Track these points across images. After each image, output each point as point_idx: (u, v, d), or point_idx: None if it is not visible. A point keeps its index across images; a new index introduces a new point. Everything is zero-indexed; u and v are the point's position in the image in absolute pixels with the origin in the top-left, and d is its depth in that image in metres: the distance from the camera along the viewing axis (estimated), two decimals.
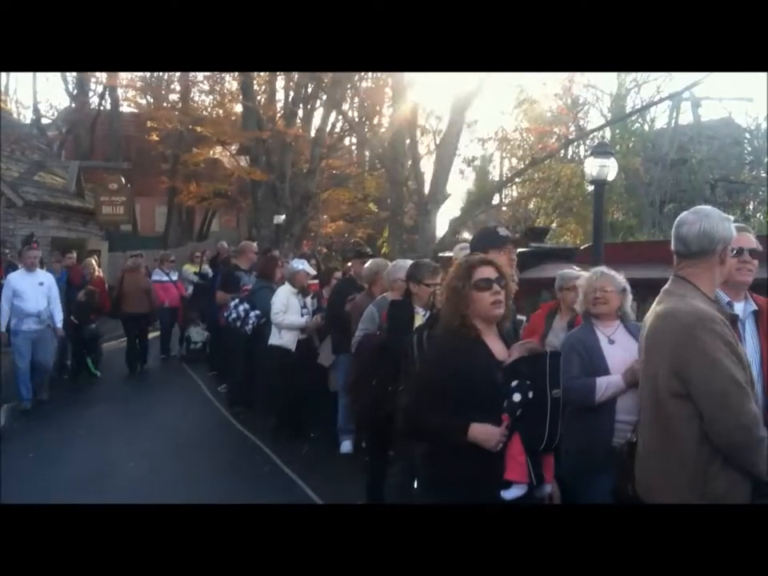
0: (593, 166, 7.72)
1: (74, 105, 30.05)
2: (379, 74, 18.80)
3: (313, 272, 8.25)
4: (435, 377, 3.10)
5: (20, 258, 9.95)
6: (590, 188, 20.62)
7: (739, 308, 3.30)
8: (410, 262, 6.04)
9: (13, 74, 32.59)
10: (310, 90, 19.79)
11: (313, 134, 20.38)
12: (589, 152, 9.41)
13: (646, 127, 26.31)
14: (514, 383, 2.97)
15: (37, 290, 8.99)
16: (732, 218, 2.81)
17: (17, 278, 9.02)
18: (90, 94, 30.69)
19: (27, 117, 31.84)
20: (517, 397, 2.95)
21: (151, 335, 12.89)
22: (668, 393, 2.64)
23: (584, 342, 4.21)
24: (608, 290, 4.23)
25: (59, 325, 9.32)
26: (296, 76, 19.78)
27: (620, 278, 4.35)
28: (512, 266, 3.90)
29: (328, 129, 20.25)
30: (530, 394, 2.95)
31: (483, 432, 2.96)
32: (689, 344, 2.55)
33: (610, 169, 7.71)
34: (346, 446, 7.19)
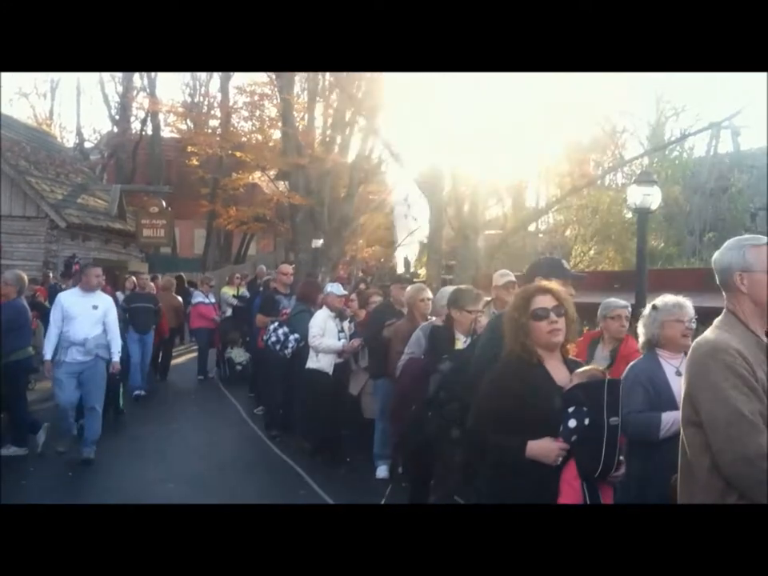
0: (636, 195, 7.65)
1: (116, 129, 30.68)
2: (418, 100, 18.91)
3: (344, 293, 8.27)
4: (496, 400, 3.15)
5: (64, 279, 9.92)
6: (629, 215, 20.52)
7: None
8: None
9: (57, 99, 33.42)
10: (348, 116, 19.96)
11: (351, 159, 20.52)
12: (628, 180, 9.35)
13: (685, 155, 26.11)
14: (571, 409, 2.99)
15: (89, 315, 7.61)
16: (764, 239, 2.73)
17: (68, 298, 7.75)
18: (132, 119, 31.33)
19: (71, 141, 32.67)
20: (572, 423, 2.97)
21: (189, 356, 13.04)
22: (686, 421, 2.62)
23: (649, 374, 4.11)
24: (692, 321, 4.16)
25: (116, 358, 7.76)
26: (335, 103, 19.98)
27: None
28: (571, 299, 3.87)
29: (366, 154, 20.37)
30: (586, 421, 2.96)
31: (541, 447, 2.99)
32: (700, 374, 2.54)
33: (653, 198, 7.65)
34: (382, 470, 7.17)
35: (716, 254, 2.71)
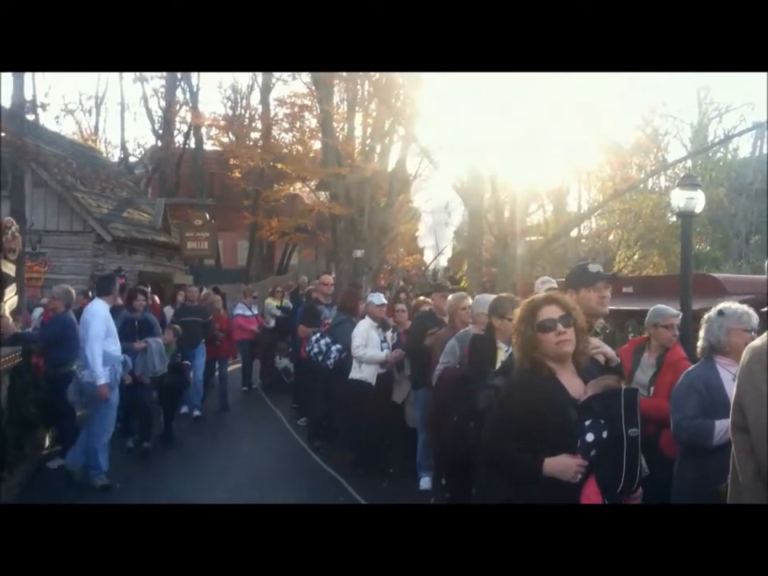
0: (680, 198, 7.53)
1: (160, 143, 31.08)
2: (456, 105, 18.91)
3: (384, 302, 8.25)
4: (511, 415, 3.07)
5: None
6: (673, 219, 20.22)
7: None
8: (492, 296, 6.04)
9: (102, 115, 34.04)
10: (387, 125, 20.01)
11: (391, 168, 20.56)
12: (672, 183, 9.21)
13: (729, 157, 25.69)
14: (588, 422, 2.88)
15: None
16: None
17: (106, 312, 7.33)
18: (175, 133, 31.76)
19: (116, 155, 33.19)
20: (590, 436, 2.86)
21: (232, 368, 13.16)
22: (734, 426, 2.60)
23: (705, 380, 4.07)
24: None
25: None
26: (374, 112, 20.05)
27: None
28: (604, 303, 3.83)
29: (405, 162, 20.41)
30: (605, 434, 2.84)
31: (558, 464, 2.90)
32: (746, 379, 2.53)
33: (697, 201, 7.52)
34: (426, 482, 7.15)
35: None
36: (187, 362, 9.72)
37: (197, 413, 10.89)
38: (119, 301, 8.60)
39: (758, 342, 2.60)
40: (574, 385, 3.10)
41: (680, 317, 5.62)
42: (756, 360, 2.51)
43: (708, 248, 23.33)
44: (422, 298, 8.73)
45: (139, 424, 8.78)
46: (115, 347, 7.37)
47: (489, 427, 3.22)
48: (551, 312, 3.10)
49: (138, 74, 31.89)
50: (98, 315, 7.19)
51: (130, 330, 8.60)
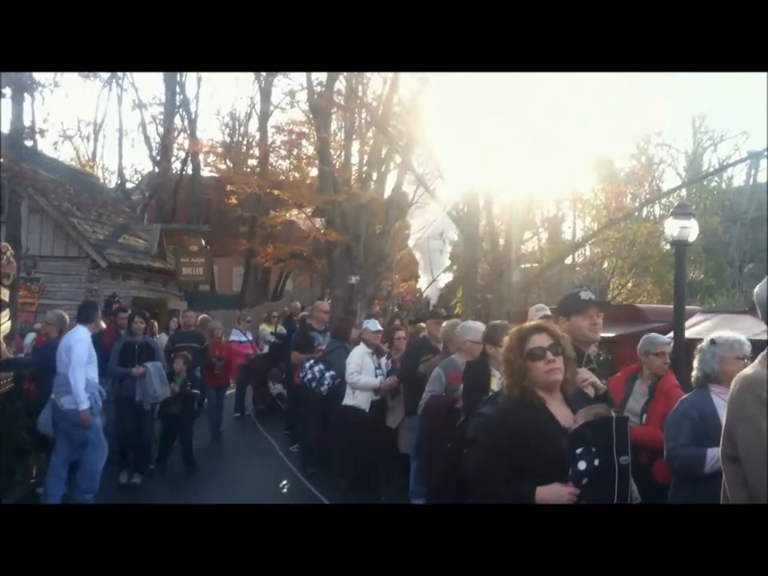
0: (673, 227, 7.59)
1: (157, 170, 31.21)
2: (452, 134, 19.05)
3: (380, 329, 8.25)
4: (500, 445, 3.05)
5: (105, 318, 9.89)
6: (667, 247, 20.31)
7: None
8: (478, 324, 6.06)
9: (100, 141, 34.19)
10: (383, 153, 20.14)
11: (387, 195, 20.65)
12: (666, 211, 9.28)
13: (724, 185, 25.85)
14: (579, 450, 2.87)
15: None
16: None
17: (88, 337, 7.25)
18: (173, 159, 31.89)
19: (113, 182, 33.31)
20: (582, 465, 2.85)
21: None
22: (724, 456, 2.59)
23: (700, 408, 4.09)
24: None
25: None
26: (371, 140, 20.18)
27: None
28: (596, 330, 3.85)
29: (402, 190, 20.49)
30: (596, 462, 2.83)
31: (550, 493, 2.88)
32: (737, 408, 2.51)
33: (690, 230, 7.58)
34: None
35: (759, 288, 2.64)
36: (197, 391, 9.50)
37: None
38: (102, 325, 8.64)
39: (748, 371, 2.60)
40: (562, 414, 3.10)
41: (671, 344, 5.65)
42: (747, 389, 2.50)
43: (702, 276, 23.41)
44: (421, 324, 8.74)
45: (134, 455, 8.61)
46: (95, 374, 7.25)
47: (477, 457, 3.20)
48: (541, 340, 3.11)
49: (136, 100, 32.18)
50: (81, 341, 7.09)
51: (130, 354, 8.56)
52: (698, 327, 7.88)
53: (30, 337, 10.73)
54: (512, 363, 3.13)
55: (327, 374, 8.32)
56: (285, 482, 9.25)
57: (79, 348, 7.02)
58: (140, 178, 33.45)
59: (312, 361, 8.61)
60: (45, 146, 30.82)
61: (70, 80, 32.54)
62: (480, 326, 5.98)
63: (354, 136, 20.93)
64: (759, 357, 2.69)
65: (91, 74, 29.87)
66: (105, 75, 30.96)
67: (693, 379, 4.41)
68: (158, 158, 31.44)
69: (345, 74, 19.27)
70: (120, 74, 31.54)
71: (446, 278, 21.95)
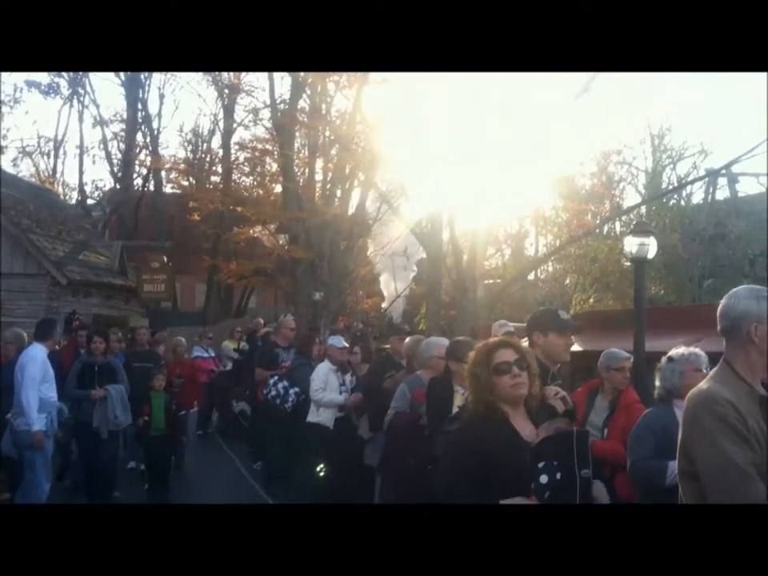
0: (632, 245, 7.71)
1: (118, 186, 30.98)
2: (415, 152, 19.19)
3: (346, 345, 8.22)
4: (465, 461, 3.07)
5: (65, 336, 9.71)
6: (628, 264, 20.59)
7: None
8: (443, 339, 6.06)
9: (60, 157, 33.84)
10: (347, 170, 20.20)
11: (351, 212, 20.70)
12: (626, 228, 9.41)
13: (683, 203, 26.30)
14: (541, 464, 2.90)
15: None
16: None
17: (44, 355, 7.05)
18: (135, 175, 31.67)
19: (73, 198, 32.98)
20: (544, 478, 2.87)
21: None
22: (681, 471, 2.63)
23: (662, 422, 4.15)
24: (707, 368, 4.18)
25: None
26: (334, 158, 20.23)
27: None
28: (568, 351, 3.91)
29: (365, 207, 20.56)
30: (558, 475, 2.87)
31: (514, 505, 2.89)
32: (693, 425, 2.55)
33: (649, 247, 7.69)
34: None
35: (727, 301, 2.68)
36: (183, 413, 9.13)
37: (131, 464, 9.93)
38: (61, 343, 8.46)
39: (701, 386, 2.64)
40: (526, 428, 3.12)
41: (631, 359, 5.72)
42: (702, 406, 2.53)
43: (662, 292, 23.71)
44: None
45: (93, 485, 8.07)
46: (52, 393, 7.00)
47: (442, 474, 3.21)
48: (507, 355, 3.13)
49: (97, 117, 31.91)
50: (35, 359, 6.85)
51: (89, 376, 8.00)
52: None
53: None
54: (478, 377, 3.14)
55: (291, 391, 8.28)
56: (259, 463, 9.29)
57: (32, 367, 6.78)
58: (101, 195, 33.18)
59: (276, 377, 8.56)
60: (4, 163, 30.41)
61: (30, 96, 32.13)
62: (446, 342, 6.00)
63: (318, 153, 20.97)
64: (711, 372, 2.74)
65: (52, 90, 29.69)
66: (66, 91, 30.74)
67: (656, 395, 4.50)
68: (120, 174, 31.26)
69: (308, 91, 19.33)
70: (81, 90, 31.32)
71: (409, 294, 22.06)
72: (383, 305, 23.61)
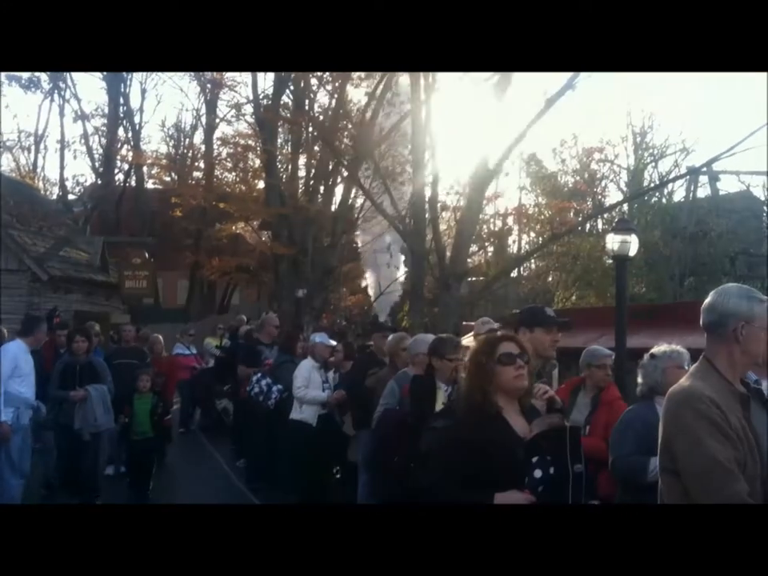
0: (614, 242, 7.74)
1: (100, 181, 30.76)
2: (399, 147, 19.18)
3: (332, 343, 8.24)
4: (458, 456, 3.08)
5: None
6: (609, 261, 20.70)
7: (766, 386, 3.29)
8: (430, 336, 6.07)
9: (41, 152, 33.57)
10: (330, 166, 20.16)
11: (334, 208, 20.67)
12: (608, 226, 9.44)
13: (664, 201, 26.45)
14: (534, 459, 2.94)
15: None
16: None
17: (20, 351, 7.07)
18: (116, 171, 31.46)
19: (54, 193, 32.73)
20: (537, 473, 2.92)
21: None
22: (662, 468, 2.65)
23: (644, 419, 4.18)
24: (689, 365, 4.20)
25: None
26: (318, 154, 20.20)
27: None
28: (554, 347, 3.93)
29: (349, 203, 20.55)
30: (551, 470, 2.92)
31: (508, 498, 2.92)
32: (674, 422, 2.58)
33: (631, 244, 7.72)
34: None
35: (717, 298, 2.69)
36: (169, 417, 8.62)
37: (109, 470, 9.30)
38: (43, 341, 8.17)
39: (682, 383, 2.66)
40: (519, 424, 3.15)
41: (612, 356, 5.75)
42: (684, 403, 2.56)
43: (644, 290, 23.85)
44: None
45: (76, 489, 7.78)
46: (25, 389, 6.90)
47: (435, 468, 3.22)
48: (511, 347, 3.18)
49: (78, 111, 31.67)
50: (7, 353, 6.80)
51: (70, 376, 7.71)
52: None
53: None
54: (482, 366, 3.16)
55: (275, 388, 8.27)
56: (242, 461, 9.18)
57: (3, 361, 6.72)
58: (82, 190, 32.96)
59: (259, 374, 8.54)
60: None
61: (11, 91, 31.83)
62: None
63: (301, 149, 20.93)
64: (691, 369, 2.76)
65: (32, 84, 29.43)
66: (46, 86, 30.49)
67: (638, 392, 4.53)
68: (101, 169, 31.05)
69: (291, 87, 19.29)
70: (62, 84, 31.08)
71: (396, 291, 22.05)
72: (372, 296, 23.53)
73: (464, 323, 12.37)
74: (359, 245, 23.27)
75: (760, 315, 2.64)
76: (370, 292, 23.65)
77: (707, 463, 2.43)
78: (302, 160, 21.23)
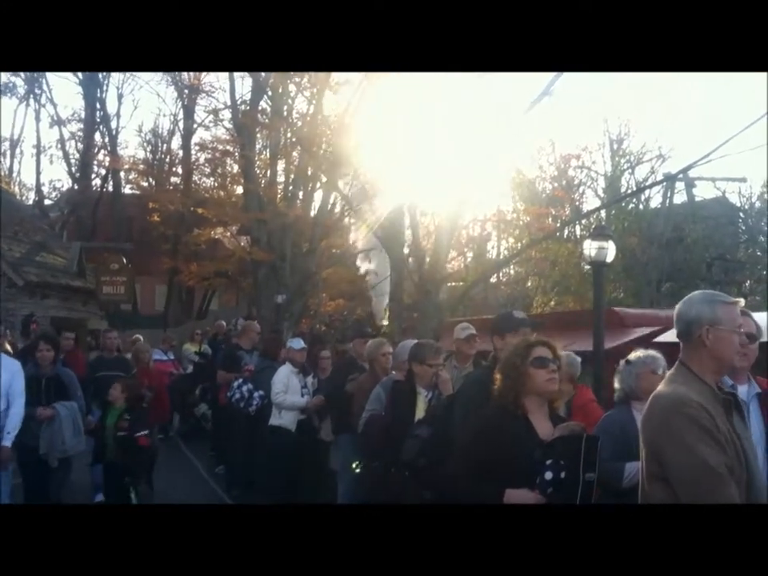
0: (591, 248, 7.82)
1: (76, 187, 30.49)
2: (377, 154, 19.17)
3: (303, 346, 8.17)
4: (477, 451, 3.21)
5: (23, 339, 9.42)
6: (587, 267, 20.84)
7: (743, 391, 3.32)
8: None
9: (16, 156, 33.26)
10: (309, 171, 20.11)
11: (313, 214, 20.61)
12: (585, 232, 9.50)
13: (641, 207, 26.65)
14: (549, 461, 3.02)
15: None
16: (742, 301, 2.81)
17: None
18: (93, 176, 31.21)
19: (30, 198, 32.41)
20: (549, 475, 3.00)
21: None
22: (649, 476, 2.65)
23: (621, 424, 4.20)
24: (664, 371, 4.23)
25: (6, 442, 6.09)
26: (297, 160, 20.13)
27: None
28: None
29: (328, 209, 20.49)
30: (563, 474, 2.99)
31: (518, 496, 3.02)
32: (663, 428, 2.58)
33: (608, 251, 7.80)
34: None
35: (681, 306, 2.73)
36: (144, 433, 6.79)
37: (99, 498, 8.06)
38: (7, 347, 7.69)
39: (664, 389, 2.67)
40: (544, 427, 3.25)
41: (579, 361, 5.78)
42: (671, 409, 2.56)
43: (621, 295, 24.01)
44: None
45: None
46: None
47: (456, 459, 3.34)
48: (545, 352, 3.29)
49: (55, 116, 31.41)
50: None
51: (35, 390, 6.66)
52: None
53: None
54: (515, 368, 3.27)
55: (256, 394, 8.24)
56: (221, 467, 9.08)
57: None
58: (59, 195, 32.66)
59: (240, 380, 8.52)
60: None
61: None
62: None
63: (280, 155, 20.86)
64: (668, 374, 2.78)
65: (7, 89, 29.16)
66: (22, 90, 30.23)
67: (615, 397, 4.56)
68: (78, 174, 30.77)
69: (269, 92, 19.24)
70: (38, 89, 30.82)
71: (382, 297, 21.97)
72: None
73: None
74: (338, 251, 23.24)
75: (726, 317, 2.66)
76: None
77: (699, 468, 2.44)
78: (281, 165, 21.16)
